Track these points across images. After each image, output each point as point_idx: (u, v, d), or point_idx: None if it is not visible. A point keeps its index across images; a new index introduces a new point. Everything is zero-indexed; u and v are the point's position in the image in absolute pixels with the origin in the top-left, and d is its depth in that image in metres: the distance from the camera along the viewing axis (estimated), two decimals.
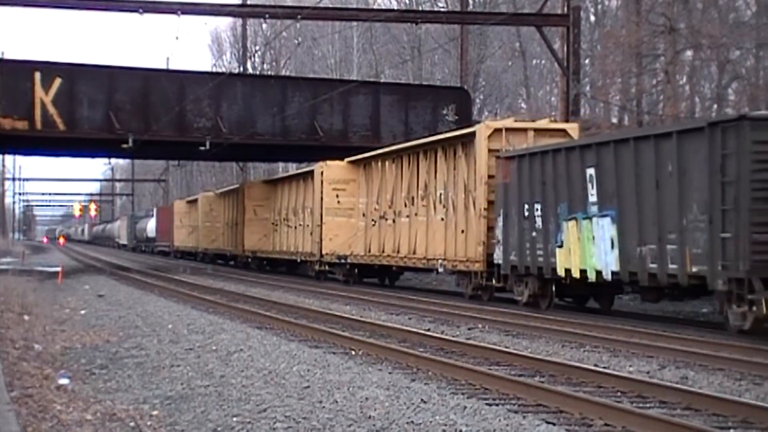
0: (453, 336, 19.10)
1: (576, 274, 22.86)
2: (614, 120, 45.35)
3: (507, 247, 25.54)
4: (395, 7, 57.52)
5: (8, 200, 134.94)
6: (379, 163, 35.39)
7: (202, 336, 19.29)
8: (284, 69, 76.64)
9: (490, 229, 26.73)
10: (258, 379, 13.80)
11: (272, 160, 64.88)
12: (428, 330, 20.27)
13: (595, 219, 22.14)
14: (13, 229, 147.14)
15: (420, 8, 56.86)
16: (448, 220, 29.49)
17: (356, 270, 36.73)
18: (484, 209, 26.99)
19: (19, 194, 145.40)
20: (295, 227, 43.94)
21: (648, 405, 11.95)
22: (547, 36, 38.30)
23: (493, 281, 26.63)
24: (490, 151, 26.78)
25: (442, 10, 56.16)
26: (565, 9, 37.38)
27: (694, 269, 19.03)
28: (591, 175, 22.25)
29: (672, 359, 15.74)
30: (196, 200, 68.38)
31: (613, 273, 21.55)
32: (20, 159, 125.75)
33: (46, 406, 11.32)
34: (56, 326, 20.91)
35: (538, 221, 24.31)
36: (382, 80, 56.94)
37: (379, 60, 63.99)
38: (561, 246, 23.36)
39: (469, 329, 20.64)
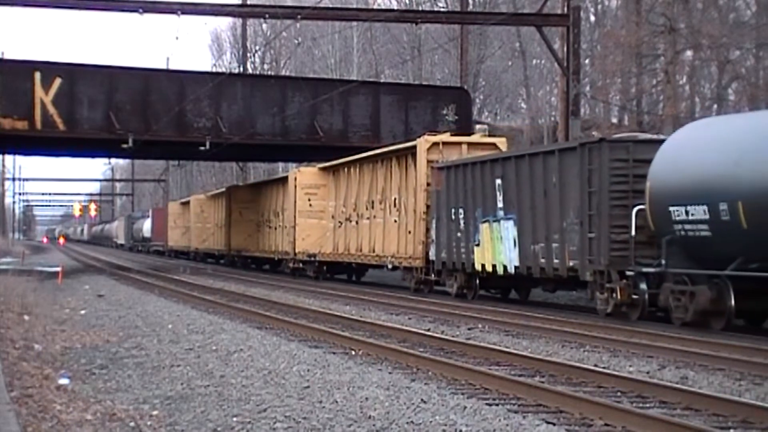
0: (453, 336, 19.10)
1: (489, 269, 26.93)
2: (614, 120, 45.39)
3: (439, 245, 29.47)
4: (395, 7, 57.54)
5: (8, 200, 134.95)
6: (346, 170, 38.39)
7: (202, 336, 19.29)
8: (284, 69, 76.63)
9: (428, 230, 30.34)
10: (258, 379, 13.80)
11: (272, 160, 64.90)
12: (428, 330, 20.27)
13: (501, 222, 26.30)
14: (13, 229, 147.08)
15: (420, 8, 56.85)
16: (400, 222, 32.81)
17: (325, 267, 40.15)
18: (424, 213, 30.68)
19: (19, 194, 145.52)
20: (275, 228, 47.20)
21: (648, 405, 11.95)
22: (547, 36, 38.29)
23: (431, 276, 30.32)
24: (428, 161, 30.46)
25: (442, 10, 56.17)
26: (565, 9, 37.37)
27: (571, 263, 23.11)
28: (499, 185, 26.39)
29: (672, 359, 15.74)
30: (188, 202, 71.56)
31: (515, 267, 25.66)
32: (20, 159, 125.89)
33: (46, 406, 11.32)
34: (56, 326, 20.90)
35: (462, 223, 28.27)
36: (382, 80, 56.93)
37: (379, 60, 63.99)
38: (478, 245, 27.42)
39: (469, 329, 20.64)
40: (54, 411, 11.09)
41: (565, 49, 37.09)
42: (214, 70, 79.16)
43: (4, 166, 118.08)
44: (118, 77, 40.72)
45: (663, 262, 20.36)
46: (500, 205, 26.30)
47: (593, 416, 11.10)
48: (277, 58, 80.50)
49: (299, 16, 39.44)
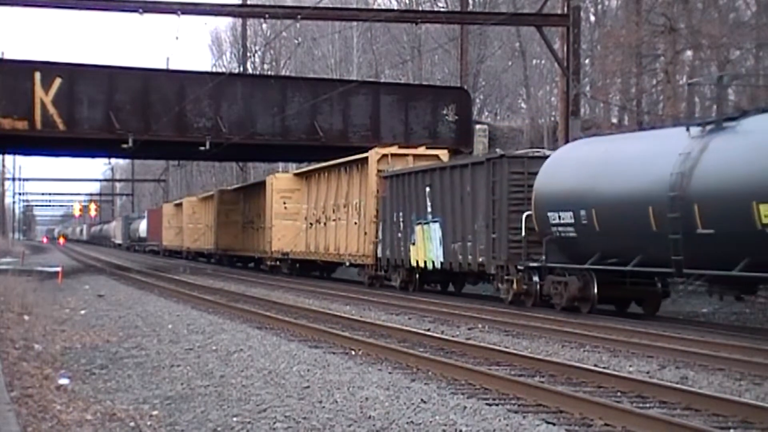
0: (453, 336, 19.11)
1: (422, 265, 30.71)
2: (614, 120, 45.32)
3: (384, 245, 33.34)
4: (395, 7, 57.52)
5: (8, 200, 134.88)
6: (317, 176, 41.45)
7: (202, 336, 19.29)
8: (284, 69, 76.58)
9: (377, 231, 33.69)
10: (258, 379, 13.80)
11: (272, 160, 64.84)
12: (428, 330, 20.28)
13: (431, 224, 30.00)
14: (13, 229, 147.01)
15: (420, 8, 56.85)
16: (359, 224, 35.85)
17: (297, 264, 43.60)
18: (374, 216, 34.08)
19: (19, 194, 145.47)
20: (257, 229, 50.33)
21: (648, 405, 11.95)
22: (547, 36, 38.28)
23: (381, 272, 33.86)
24: (378, 171, 33.98)
25: (442, 10, 56.15)
26: (565, 9, 37.36)
27: (480, 259, 27.02)
28: (428, 192, 30.16)
29: (672, 359, 15.74)
30: (181, 204, 74.81)
31: (441, 263, 29.43)
32: (20, 159, 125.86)
33: (46, 406, 11.32)
34: (56, 326, 20.91)
35: (402, 225, 32.00)
36: (382, 80, 56.89)
37: (379, 60, 63.97)
38: (414, 244, 31.18)
39: (469, 329, 20.65)
40: (54, 411, 11.09)
41: (565, 49, 37.08)
42: (214, 70, 79.09)
43: (4, 166, 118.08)
44: (118, 77, 40.68)
45: (544, 257, 24.34)
46: (429, 209, 30.12)
47: (593, 416, 11.11)
48: (277, 58, 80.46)
49: (299, 16, 39.44)
